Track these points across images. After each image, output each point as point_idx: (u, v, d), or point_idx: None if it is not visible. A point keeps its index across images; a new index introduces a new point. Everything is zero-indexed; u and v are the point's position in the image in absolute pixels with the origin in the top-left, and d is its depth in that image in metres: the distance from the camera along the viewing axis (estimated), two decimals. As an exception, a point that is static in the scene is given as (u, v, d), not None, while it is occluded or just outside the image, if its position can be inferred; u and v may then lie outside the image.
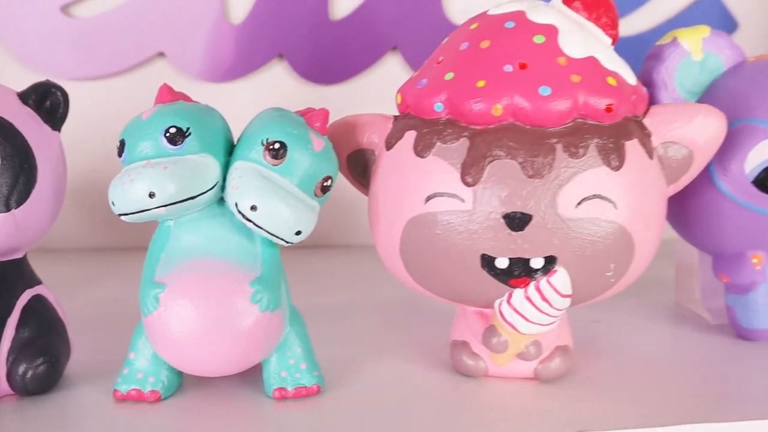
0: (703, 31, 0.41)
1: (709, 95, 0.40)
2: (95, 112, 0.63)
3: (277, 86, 0.67)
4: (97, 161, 0.62)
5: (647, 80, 0.41)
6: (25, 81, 0.55)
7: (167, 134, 0.31)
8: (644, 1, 0.70)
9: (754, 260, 0.40)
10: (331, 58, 0.67)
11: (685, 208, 0.41)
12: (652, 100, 0.40)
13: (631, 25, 0.70)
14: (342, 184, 0.38)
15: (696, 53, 0.40)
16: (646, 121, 0.34)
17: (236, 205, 0.32)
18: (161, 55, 0.65)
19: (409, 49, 0.67)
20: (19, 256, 0.34)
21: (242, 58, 0.67)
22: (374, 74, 0.68)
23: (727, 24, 0.71)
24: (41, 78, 0.63)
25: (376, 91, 0.67)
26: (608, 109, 0.32)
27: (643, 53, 0.48)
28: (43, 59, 0.64)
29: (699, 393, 0.36)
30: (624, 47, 0.67)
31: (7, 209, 0.32)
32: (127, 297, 0.47)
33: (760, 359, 0.40)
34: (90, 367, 0.37)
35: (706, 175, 0.39)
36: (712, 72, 0.41)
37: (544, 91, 0.32)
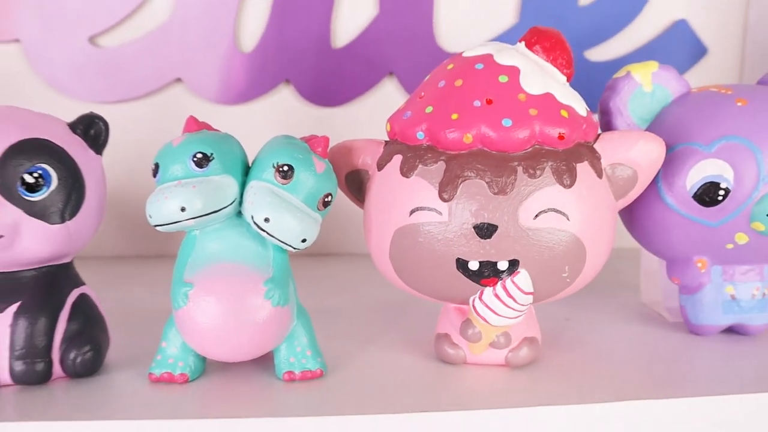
0: (653, 66, 0.44)
1: (657, 121, 0.44)
2: (120, 133, 0.64)
3: (284, 108, 0.69)
4: (122, 178, 0.64)
5: (605, 108, 0.44)
6: (54, 105, 0.58)
7: (194, 159, 0.35)
8: (621, 28, 0.72)
9: (699, 264, 0.44)
10: (333, 82, 0.69)
11: (640, 220, 0.44)
12: (609, 126, 0.44)
13: (610, 50, 0.72)
14: (341, 199, 0.41)
15: (646, 85, 0.44)
16: (597, 146, 0.38)
17: (252, 217, 0.35)
18: (179, 80, 0.67)
19: (403, 74, 0.69)
20: (68, 260, 0.39)
21: (252, 83, 0.68)
22: (372, 97, 0.70)
23: (697, 49, 0.73)
24: (70, 101, 0.68)
25: (374, 112, 0.69)
26: (561, 137, 0.36)
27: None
28: (72, 85, 0.66)
29: (649, 376, 0.40)
30: (604, 71, 0.70)
31: (62, 221, 0.36)
32: (152, 298, 0.51)
33: (705, 350, 0.44)
34: (126, 355, 0.41)
35: (654, 191, 0.42)
36: (660, 101, 0.44)
37: (507, 122, 0.36)
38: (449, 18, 0.70)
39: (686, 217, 0.42)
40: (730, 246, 0.42)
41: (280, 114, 0.69)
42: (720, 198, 0.41)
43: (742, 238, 0.42)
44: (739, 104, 0.42)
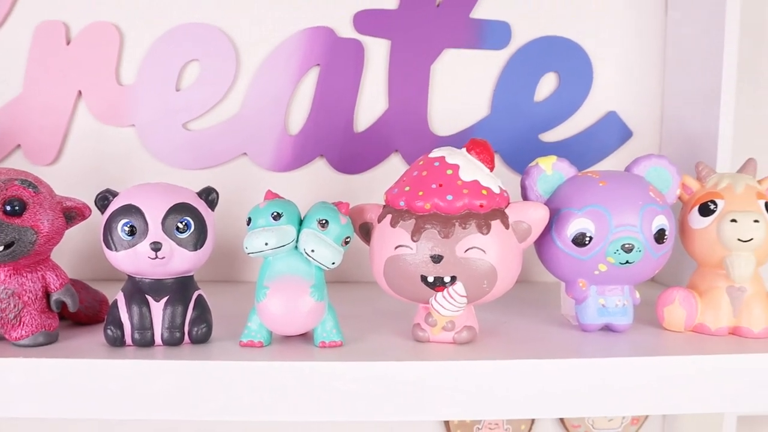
0: (553, 158, 0.61)
1: (554, 194, 0.60)
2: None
3: (319, 176, 0.84)
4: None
5: (523, 185, 0.63)
6: (158, 171, 0.80)
7: (273, 215, 0.53)
8: (567, 118, 0.88)
9: (581, 284, 0.59)
10: (354, 157, 0.83)
11: (545, 256, 0.61)
12: (525, 196, 0.63)
13: (558, 134, 0.86)
14: (356, 240, 0.58)
15: (548, 171, 0.61)
16: (507, 211, 0.55)
17: (304, 249, 0.53)
18: (244, 154, 0.82)
19: (405, 152, 0.84)
20: (192, 274, 0.60)
21: (297, 157, 0.83)
22: (382, 168, 0.84)
23: (624, 133, 0.89)
24: (168, 168, 0.86)
25: (384, 179, 0.83)
26: (481, 206, 0.53)
27: (567, 154, 0.65)
28: (170, 158, 0.82)
29: (553, 348, 0.56)
30: (554, 149, 0.87)
31: (195, 250, 0.54)
32: (231, 303, 0.69)
33: (589, 339, 0.59)
34: (223, 331, 0.58)
35: (550, 238, 0.59)
36: (557, 181, 0.60)
37: (449, 197, 0.52)
38: (439, 111, 0.85)
39: (569, 254, 0.58)
40: (596, 272, 0.58)
41: (316, 179, 0.84)
42: (587, 242, 0.57)
43: (603, 267, 0.58)
44: (601, 184, 0.58)
